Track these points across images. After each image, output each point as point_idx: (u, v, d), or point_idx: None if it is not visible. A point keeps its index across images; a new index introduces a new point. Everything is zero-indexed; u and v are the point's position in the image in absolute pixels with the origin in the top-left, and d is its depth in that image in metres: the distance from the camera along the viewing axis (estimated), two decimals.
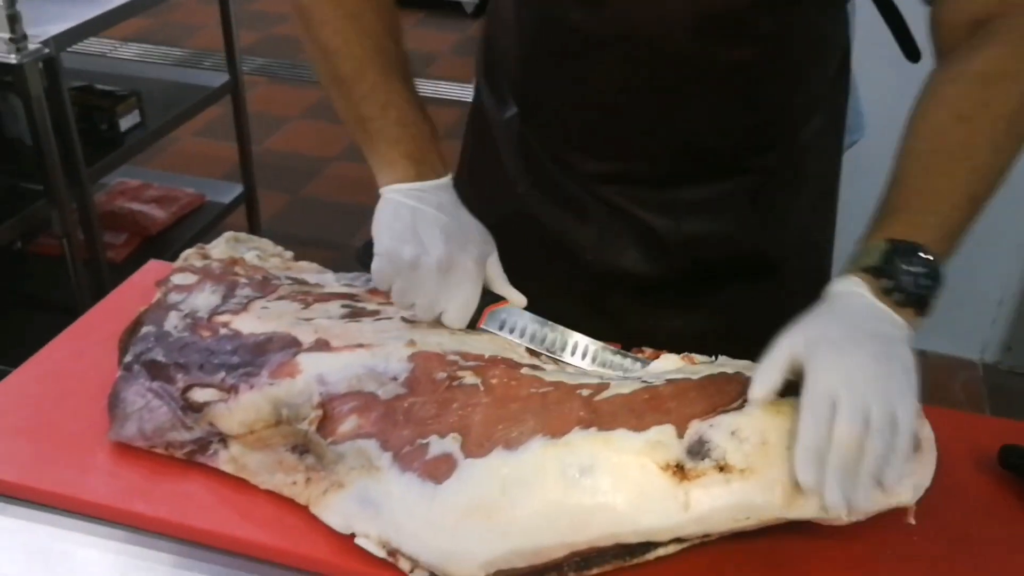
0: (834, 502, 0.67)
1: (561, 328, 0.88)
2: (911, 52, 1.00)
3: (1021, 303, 2.48)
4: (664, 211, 1.00)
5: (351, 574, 0.73)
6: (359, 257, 0.90)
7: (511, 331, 0.88)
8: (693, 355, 0.83)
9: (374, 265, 0.86)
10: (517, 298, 0.89)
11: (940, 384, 2.50)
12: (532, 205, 1.04)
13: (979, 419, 0.91)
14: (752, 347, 0.79)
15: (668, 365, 0.81)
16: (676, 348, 0.86)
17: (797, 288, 1.08)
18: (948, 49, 0.85)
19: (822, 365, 0.70)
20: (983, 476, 0.84)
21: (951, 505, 0.80)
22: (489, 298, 0.88)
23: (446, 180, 0.90)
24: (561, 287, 0.94)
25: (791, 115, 0.99)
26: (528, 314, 0.89)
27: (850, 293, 0.76)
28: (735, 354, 0.83)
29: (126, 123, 2.30)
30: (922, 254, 0.76)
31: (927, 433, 0.74)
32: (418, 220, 0.86)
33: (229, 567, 0.75)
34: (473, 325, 0.87)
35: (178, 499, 0.78)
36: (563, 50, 0.94)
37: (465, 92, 2.41)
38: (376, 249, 0.86)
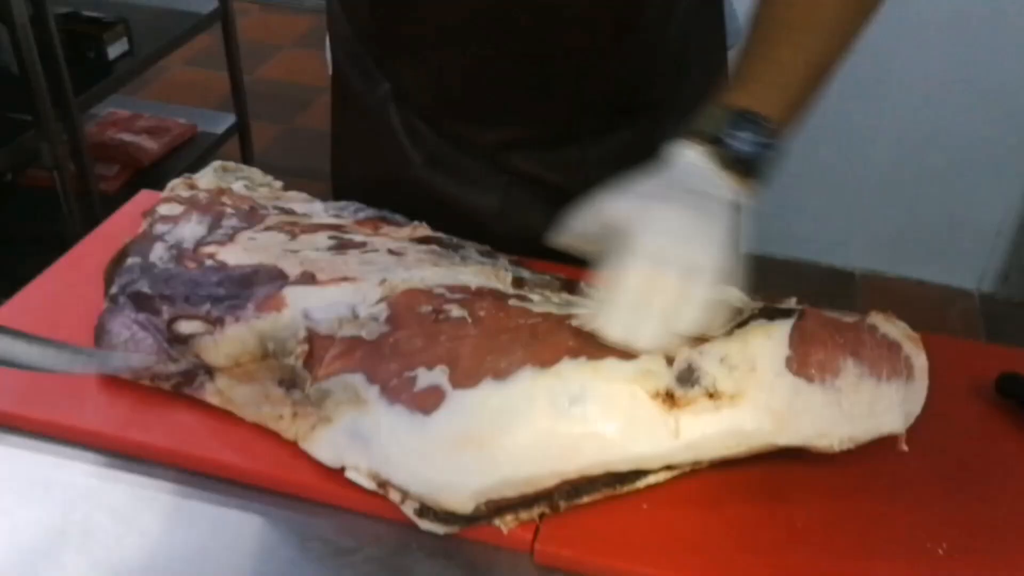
0: (615, 335, 0.69)
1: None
2: None
3: (1018, 233, 2.47)
4: (571, 171, 0.99)
5: (349, 498, 0.73)
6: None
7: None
8: None
9: None
10: None
11: (937, 313, 2.50)
12: (428, 180, 1.02)
13: (977, 346, 0.91)
14: None
15: None
16: None
17: None
18: None
19: (631, 222, 0.71)
20: (980, 403, 0.83)
21: (947, 432, 0.79)
22: None
23: None
24: None
25: (674, 42, 0.97)
26: None
27: (676, 154, 0.77)
28: None
29: (114, 51, 2.26)
30: (752, 119, 0.75)
31: (921, 362, 0.74)
32: None
33: (231, 495, 0.75)
34: None
35: (175, 428, 0.78)
36: (430, 15, 0.90)
37: None
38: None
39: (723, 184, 0.75)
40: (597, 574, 0.69)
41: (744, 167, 0.76)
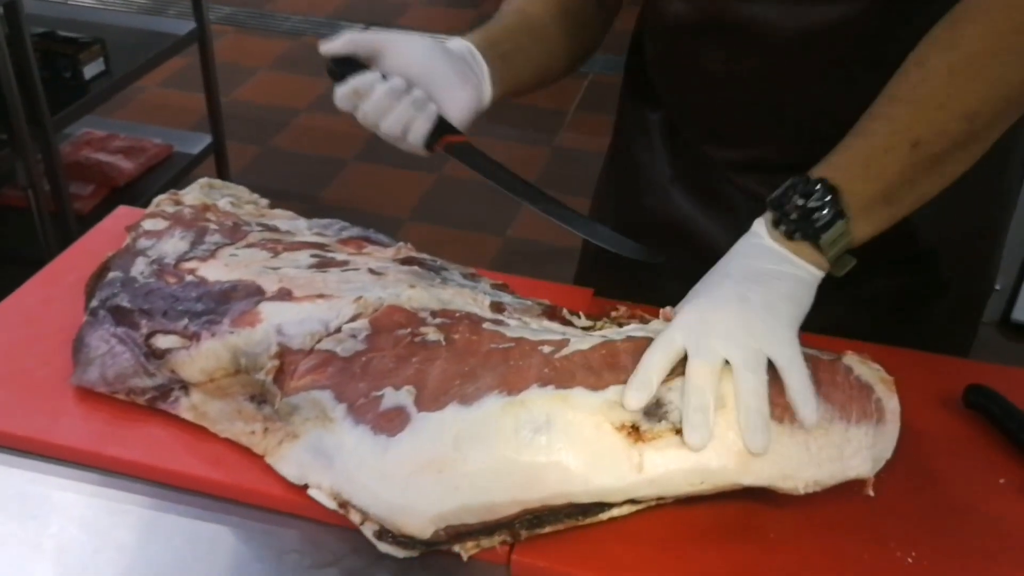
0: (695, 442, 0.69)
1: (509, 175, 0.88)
2: None
3: None
4: None
5: (322, 512, 0.73)
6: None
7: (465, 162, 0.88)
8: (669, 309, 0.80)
9: None
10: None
11: None
12: (675, 200, 1.02)
13: (944, 360, 0.92)
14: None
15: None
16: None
17: (950, 277, 1.00)
18: None
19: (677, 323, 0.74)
20: (948, 415, 0.85)
21: (916, 442, 0.80)
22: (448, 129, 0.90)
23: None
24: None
25: None
26: (482, 153, 0.89)
27: (751, 229, 0.78)
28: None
29: (90, 71, 2.26)
30: (820, 187, 0.74)
31: (892, 405, 0.74)
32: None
33: (205, 509, 0.75)
34: (431, 148, 0.89)
35: (151, 443, 0.78)
36: (681, 35, 0.93)
37: None
38: None
39: (787, 259, 0.75)
40: None
41: (804, 235, 0.75)
